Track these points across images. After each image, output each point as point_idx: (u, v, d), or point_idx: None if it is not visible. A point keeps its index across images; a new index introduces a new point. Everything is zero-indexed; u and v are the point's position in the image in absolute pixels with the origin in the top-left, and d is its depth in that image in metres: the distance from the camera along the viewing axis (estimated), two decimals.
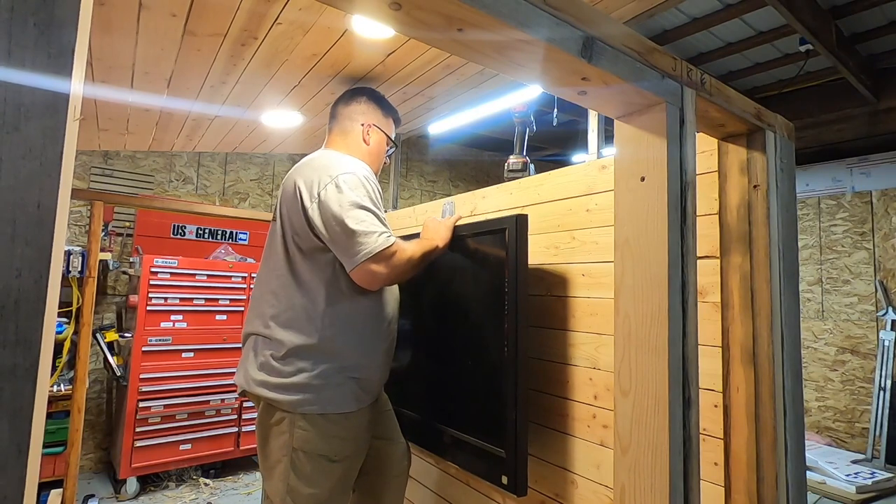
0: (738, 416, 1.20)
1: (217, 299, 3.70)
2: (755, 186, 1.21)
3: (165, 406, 3.45)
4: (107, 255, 3.54)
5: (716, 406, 1.23)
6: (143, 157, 4.06)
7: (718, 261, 1.26)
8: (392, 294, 1.61)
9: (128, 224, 3.97)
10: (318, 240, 1.42)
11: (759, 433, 1.17)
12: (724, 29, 3.52)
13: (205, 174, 4.35)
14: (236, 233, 4.26)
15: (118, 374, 3.44)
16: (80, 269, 3.19)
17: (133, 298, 3.56)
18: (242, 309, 3.79)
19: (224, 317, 3.72)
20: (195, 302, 3.61)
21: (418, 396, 1.81)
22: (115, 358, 3.48)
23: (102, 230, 3.17)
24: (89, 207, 2.99)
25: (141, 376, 3.40)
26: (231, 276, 3.78)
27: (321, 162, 1.49)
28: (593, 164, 1.58)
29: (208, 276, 3.67)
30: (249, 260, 4.04)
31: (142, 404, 3.37)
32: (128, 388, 3.38)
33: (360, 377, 1.46)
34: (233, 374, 3.65)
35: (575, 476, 1.53)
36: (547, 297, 1.66)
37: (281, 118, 3.02)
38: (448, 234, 1.64)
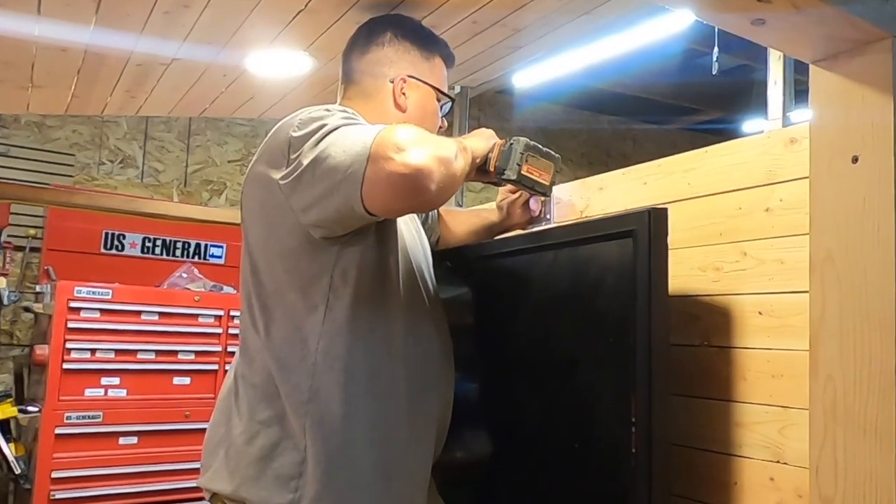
0: None
1: (175, 352, 3.04)
2: None
3: None
4: None
5: None
6: (56, 126, 3.62)
7: None
8: (438, 342, 1.29)
9: (32, 232, 3.49)
10: (295, 244, 1.11)
11: None
12: None
13: (155, 152, 3.86)
14: (206, 245, 3.69)
15: (16, 471, 2.90)
16: None
17: (40, 351, 2.94)
18: (216, 367, 3.09)
19: (187, 379, 3.04)
20: (140, 356, 2.97)
21: (489, 499, 1.65)
22: (11, 445, 2.94)
23: None
24: None
25: (53, 475, 2.78)
26: (198, 315, 3.09)
27: None
28: (776, 135, 1.42)
29: (161, 314, 3.02)
30: (227, 289, 3.32)
31: None
32: (32, 494, 2.79)
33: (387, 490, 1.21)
34: (198, 470, 2.88)
35: None
36: (700, 347, 1.54)
37: (278, 63, 2.50)
38: (486, 144, 1.31)
